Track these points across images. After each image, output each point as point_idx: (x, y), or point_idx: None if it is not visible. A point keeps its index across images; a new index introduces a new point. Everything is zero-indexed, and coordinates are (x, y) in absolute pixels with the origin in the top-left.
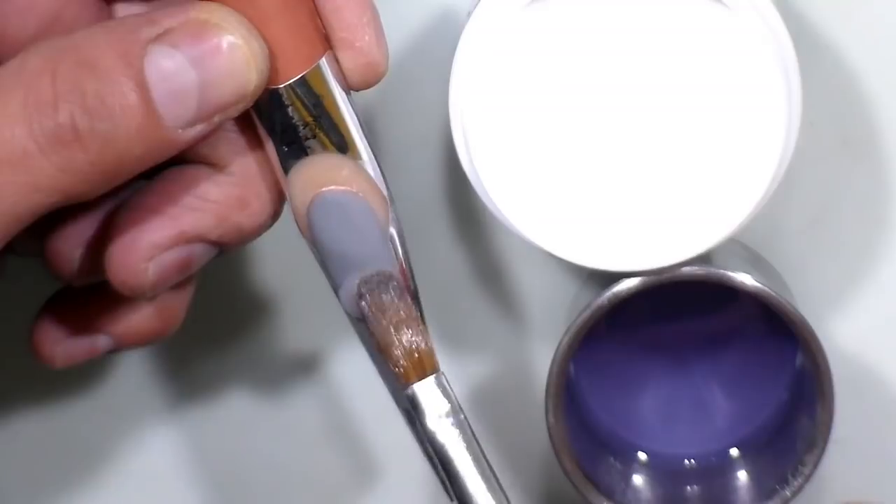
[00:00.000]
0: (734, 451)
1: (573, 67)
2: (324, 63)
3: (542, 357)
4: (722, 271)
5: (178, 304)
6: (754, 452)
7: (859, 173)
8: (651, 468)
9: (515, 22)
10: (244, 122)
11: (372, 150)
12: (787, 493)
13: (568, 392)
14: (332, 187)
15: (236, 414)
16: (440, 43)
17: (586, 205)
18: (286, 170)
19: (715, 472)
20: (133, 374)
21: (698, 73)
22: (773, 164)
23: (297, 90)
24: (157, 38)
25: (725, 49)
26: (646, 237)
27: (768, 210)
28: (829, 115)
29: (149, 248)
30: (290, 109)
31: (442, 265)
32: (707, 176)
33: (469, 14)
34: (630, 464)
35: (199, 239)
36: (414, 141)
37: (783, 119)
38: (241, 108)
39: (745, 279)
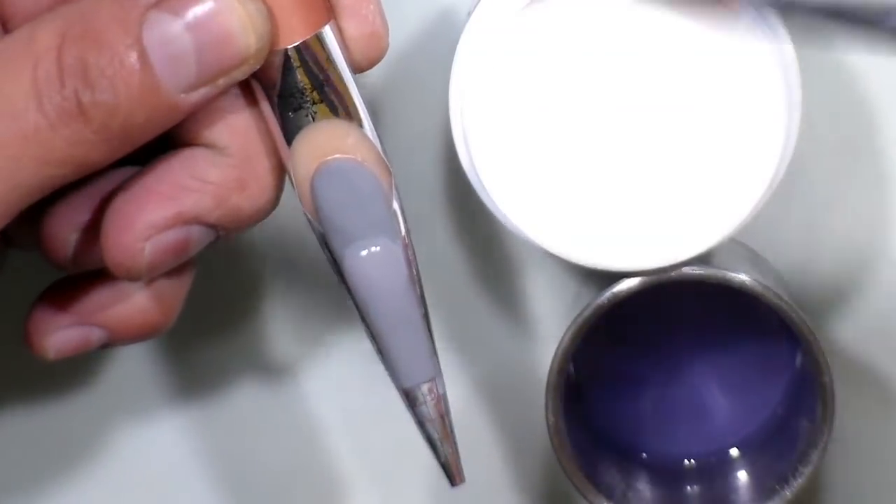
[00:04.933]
0: (734, 451)
1: (573, 67)
2: (329, 29)
3: (542, 357)
4: (722, 271)
5: (175, 295)
6: (754, 452)
7: (859, 173)
8: (651, 468)
9: (515, 22)
10: (243, 99)
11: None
12: (787, 493)
13: (568, 392)
14: (337, 156)
15: (235, 408)
16: (440, 43)
17: (586, 204)
18: (289, 140)
19: (715, 472)
20: (129, 368)
21: (698, 73)
22: (773, 164)
23: (304, 53)
24: (156, 5)
25: (725, 49)
26: (646, 237)
27: (768, 210)
28: (829, 115)
29: (146, 227)
30: (295, 72)
31: (442, 265)
32: (707, 176)
33: (469, 14)
34: (630, 464)
35: (198, 220)
36: (414, 141)
37: (783, 119)
38: (246, 70)
39: (745, 279)
